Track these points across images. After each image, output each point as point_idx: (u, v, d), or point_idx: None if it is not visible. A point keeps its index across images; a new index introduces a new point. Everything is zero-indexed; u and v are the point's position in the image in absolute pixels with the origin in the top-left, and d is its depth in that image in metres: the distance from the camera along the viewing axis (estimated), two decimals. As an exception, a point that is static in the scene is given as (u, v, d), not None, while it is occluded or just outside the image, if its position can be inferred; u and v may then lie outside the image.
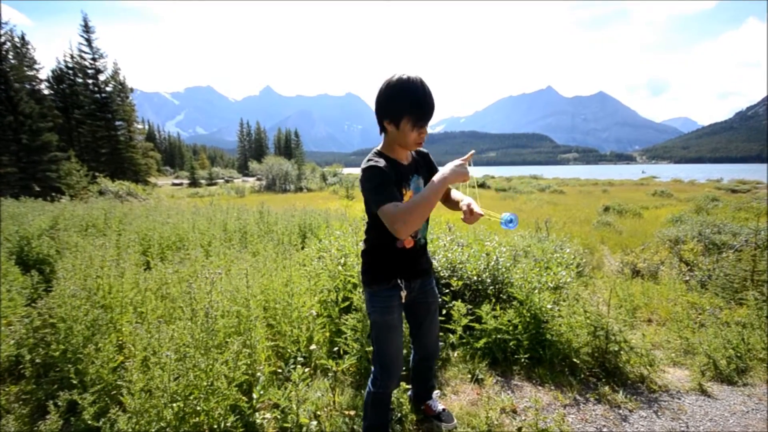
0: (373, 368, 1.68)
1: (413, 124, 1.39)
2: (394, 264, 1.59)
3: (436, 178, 1.33)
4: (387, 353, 1.63)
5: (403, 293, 1.59)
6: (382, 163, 1.43)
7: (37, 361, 2.24)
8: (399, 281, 1.59)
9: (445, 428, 1.98)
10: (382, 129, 1.48)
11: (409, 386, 2.09)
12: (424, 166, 1.67)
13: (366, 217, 1.61)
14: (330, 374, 2.27)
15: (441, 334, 2.70)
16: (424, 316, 1.76)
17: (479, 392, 2.35)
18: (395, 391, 2.00)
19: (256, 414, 1.94)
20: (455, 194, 1.67)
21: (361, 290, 2.59)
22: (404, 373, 2.10)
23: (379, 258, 1.60)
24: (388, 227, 1.32)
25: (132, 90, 34.08)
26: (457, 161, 1.36)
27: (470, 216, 1.43)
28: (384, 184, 1.38)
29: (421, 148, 1.65)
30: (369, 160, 1.46)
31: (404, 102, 1.37)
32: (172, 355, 1.70)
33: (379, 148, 1.54)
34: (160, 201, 13.09)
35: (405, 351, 2.27)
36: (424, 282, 1.72)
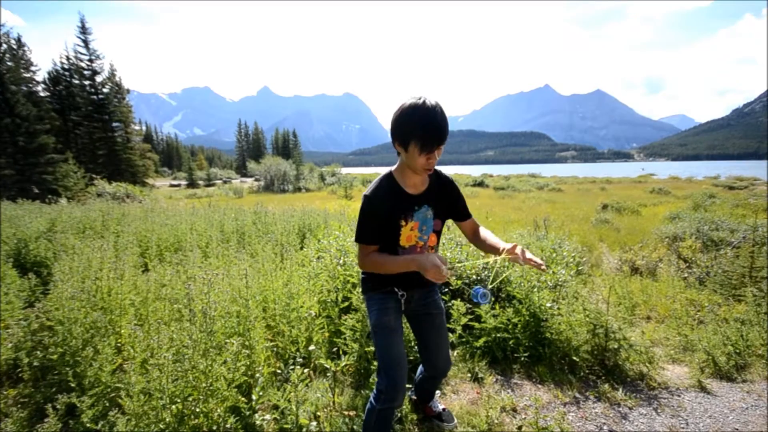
0: (377, 381, 1.57)
1: (420, 148, 1.36)
2: (393, 275, 1.56)
3: (410, 257, 1.41)
4: (389, 357, 1.54)
5: (402, 299, 1.60)
6: (379, 193, 1.49)
7: (35, 364, 2.22)
8: (396, 289, 1.60)
9: (446, 428, 1.97)
10: (397, 151, 1.48)
11: (410, 386, 2.09)
12: (443, 197, 1.61)
13: None
14: (329, 374, 2.27)
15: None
16: (429, 330, 1.71)
17: (479, 391, 2.35)
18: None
19: (256, 415, 1.93)
20: (491, 238, 1.60)
21: (360, 290, 2.58)
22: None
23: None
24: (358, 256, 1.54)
25: (129, 91, 33.94)
26: (445, 265, 1.32)
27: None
28: (368, 220, 1.48)
29: (447, 175, 1.65)
30: (370, 188, 1.51)
31: (412, 126, 1.35)
32: (170, 356, 1.69)
33: (392, 169, 1.55)
34: (158, 202, 13.06)
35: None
36: (425, 293, 1.69)
